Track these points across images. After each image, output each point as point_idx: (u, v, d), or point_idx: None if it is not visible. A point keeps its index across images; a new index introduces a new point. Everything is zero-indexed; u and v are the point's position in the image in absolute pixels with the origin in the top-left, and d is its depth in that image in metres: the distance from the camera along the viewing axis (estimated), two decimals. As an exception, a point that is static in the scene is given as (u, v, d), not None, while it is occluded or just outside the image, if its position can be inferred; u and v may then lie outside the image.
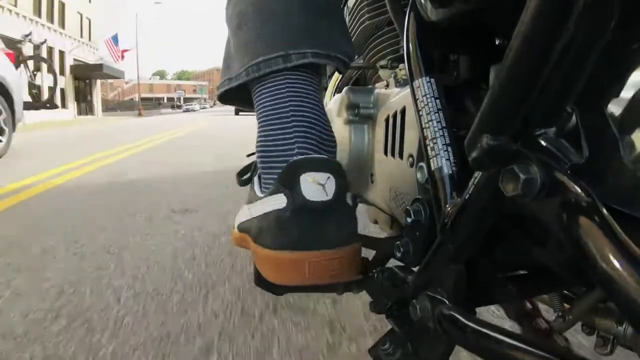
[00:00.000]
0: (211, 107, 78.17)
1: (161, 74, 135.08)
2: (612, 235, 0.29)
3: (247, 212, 0.63)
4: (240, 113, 28.45)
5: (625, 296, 0.28)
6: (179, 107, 58.61)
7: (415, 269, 0.53)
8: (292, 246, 0.54)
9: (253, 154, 0.73)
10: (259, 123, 0.64)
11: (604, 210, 0.31)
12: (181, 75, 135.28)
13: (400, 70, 0.78)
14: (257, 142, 0.64)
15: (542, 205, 0.33)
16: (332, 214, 0.55)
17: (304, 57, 0.62)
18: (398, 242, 0.54)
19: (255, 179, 0.66)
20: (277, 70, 0.62)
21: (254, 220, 0.60)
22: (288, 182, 0.54)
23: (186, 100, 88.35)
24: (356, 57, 0.94)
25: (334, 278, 0.56)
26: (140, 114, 30.86)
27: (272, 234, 0.55)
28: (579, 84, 0.33)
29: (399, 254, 0.53)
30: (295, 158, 0.58)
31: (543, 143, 0.34)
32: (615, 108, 0.35)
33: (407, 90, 0.60)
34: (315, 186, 0.54)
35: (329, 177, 0.55)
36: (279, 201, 0.55)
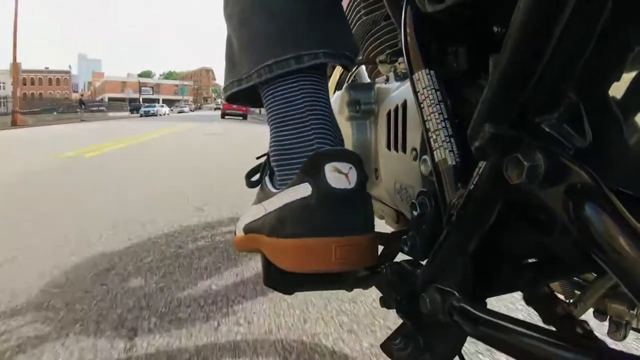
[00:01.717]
0: (192, 110, 68.83)
1: (147, 74, 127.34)
2: (619, 219, 0.29)
3: (260, 210, 0.63)
4: (226, 116, 27.63)
5: (635, 278, 0.28)
6: (137, 109, 44.33)
7: (423, 263, 0.53)
8: (319, 232, 0.55)
9: (262, 156, 0.73)
10: (272, 123, 0.65)
11: (610, 194, 0.30)
12: (168, 76, 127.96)
13: (399, 64, 0.78)
14: (272, 141, 0.64)
15: (547, 191, 0.33)
16: (355, 201, 0.56)
17: (316, 58, 0.62)
18: (405, 236, 0.54)
19: (267, 178, 0.66)
20: (289, 71, 0.62)
21: (270, 215, 0.60)
22: (312, 172, 0.55)
23: (169, 102, 77.87)
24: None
25: (358, 263, 0.57)
26: (15, 123, 16.77)
27: (296, 222, 0.56)
28: (579, 68, 0.33)
29: (406, 248, 0.53)
30: (316, 150, 0.59)
31: (546, 129, 0.34)
32: (617, 91, 0.35)
33: (407, 84, 0.60)
34: (339, 175, 0.55)
35: (351, 167, 0.56)
36: (303, 190, 0.56)
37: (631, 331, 0.58)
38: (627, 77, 0.35)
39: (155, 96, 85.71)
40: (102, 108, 42.07)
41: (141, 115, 38.51)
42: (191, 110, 68.58)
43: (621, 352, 0.32)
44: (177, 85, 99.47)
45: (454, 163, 0.47)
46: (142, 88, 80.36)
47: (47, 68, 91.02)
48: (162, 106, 51.00)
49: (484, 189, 0.40)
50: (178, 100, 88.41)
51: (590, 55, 0.32)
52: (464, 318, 0.43)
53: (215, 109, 62.91)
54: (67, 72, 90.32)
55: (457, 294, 0.44)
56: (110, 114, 38.16)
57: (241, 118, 27.77)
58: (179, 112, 57.06)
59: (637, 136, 0.35)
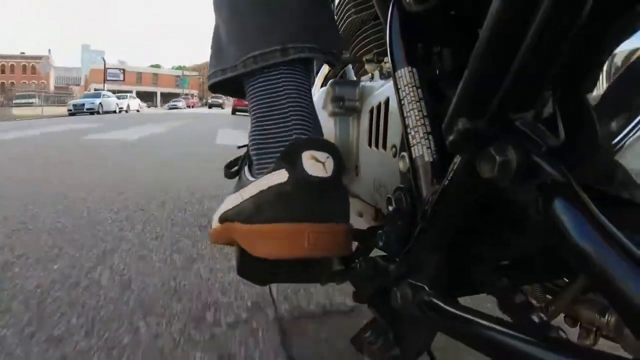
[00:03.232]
0: (190, 107, 52.34)
1: (155, 67, 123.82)
2: (589, 216, 0.29)
3: (236, 198, 0.63)
4: (237, 112, 22.56)
5: (603, 277, 0.28)
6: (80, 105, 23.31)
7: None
8: (293, 218, 0.55)
9: (244, 146, 0.73)
10: (253, 114, 0.65)
11: (581, 192, 0.31)
12: (178, 70, 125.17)
13: (385, 63, 0.78)
14: (252, 131, 0.65)
15: (518, 188, 0.34)
16: (330, 190, 0.57)
17: (301, 52, 0.63)
18: (380, 232, 0.54)
19: (245, 168, 0.67)
20: (274, 64, 0.63)
21: (246, 202, 0.60)
22: (290, 159, 0.56)
23: (168, 96, 62.34)
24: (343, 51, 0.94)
25: (330, 251, 0.57)
26: None
27: (271, 208, 0.56)
28: (556, 67, 0.33)
29: (381, 243, 0.53)
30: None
31: (520, 126, 0.35)
32: (592, 91, 0.35)
33: (391, 82, 0.61)
34: (316, 163, 0.55)
35: (328, 157, 0.56)
36: (279, 176, 0.56)
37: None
38: (603, 77, 0.35)
39: (152, 88, 72.82)
40: (31, 101, 27.27)
41: (71, 113, 21.68)
42: (189, 107, 51.69)
43: (588, 348, 0.32)
44: (178, 77, 78.74)
45: (431, 160, 0.47)
46: (109, 71, 58.14)
47: (23, 53, 77.88)
48: (126, 96, 31.21)
49: (457, 185, 0.40)
50: (178, 94, 67.98)
51: (567, 55, 0.32)
52: (433, 313, 0.43)
53: (210, 105, 45.77)
54: (46, 58, 73.06)
55: (427, 289, 0.45)
56: (18, 111, 21.02)
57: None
58: (170, 109, 43.70)
59: (609, 136, 0.35)
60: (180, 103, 49.60)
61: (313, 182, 0.55)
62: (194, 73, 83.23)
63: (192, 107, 54.71)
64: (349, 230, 0.59)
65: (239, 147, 0.76)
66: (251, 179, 0.62)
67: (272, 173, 0.57)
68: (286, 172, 0.55)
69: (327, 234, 0.56)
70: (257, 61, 0.63)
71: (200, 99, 76.59)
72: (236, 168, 0.70)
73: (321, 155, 0.56)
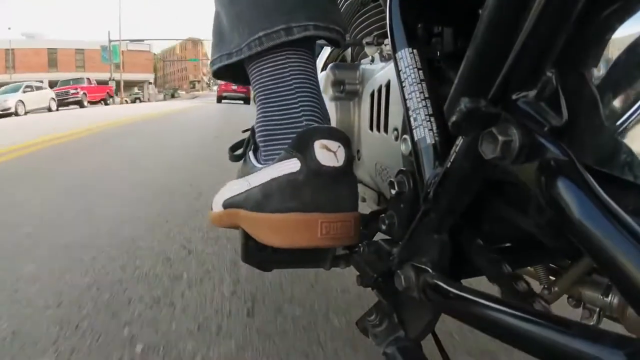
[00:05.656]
0: (91, 103, 20.04)
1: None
2: (592, 195, 0.29)
3: (242, 184, 0.63)
4: (223, 100, 20.69)
5: (606, 255, 0.28)
6: None
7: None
8: (306, 208, 0.55)
9: (248, 130, 0.72)
10: (259, 98, 0.65)
11: (583, 170, 0.30)
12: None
13: (385, 45, 0.77)
14: (259, 116, 0.64)
15: (521, 168, 0.33)
16: (342, 179, 0.57)
17: (306, 30, 0.62)
18: (383, 215, 0.54)
19: (250, 153, 0.66)
20: (279, 44, 0.62)
21: (254, 189, 0.60)
22: (302, 148, 0.56)
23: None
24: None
25: (342, 240, 0.57)
26: None
27: (283, 197, 0.56)
28: (557, 46, 0.33)
29: (384, 227, 0.53)
30: (305, 127, 0.59)
31: (522, 106, 0.34)
32: (595, 70, 0.35)
33: (392, 64, 0.60)
34: (328, 152, 0.55)
35: (339, 146, 0.56)
36: (291, 165, 0.56)
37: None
38: (606, 56, 0.35)
39: (77, 74, 32.01)
40: None
41: None
42: (75, 103, 19.84)
43: (600, 329, 0.31)
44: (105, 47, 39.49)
45: (432, 142, 0.47)
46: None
47: None
48: None
49: (459, 166, 0.40)
50: (106, 82, 30.15)
51: (569, 33, 0.32)
52: (437, 294, 0.43)
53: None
54: None
55: (431, 271, 0.45)
56: None
57: (242, 102, 19.76)
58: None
59: (612, 115, 0.35)
60: (10, 101, 15.26)
61: (325, 172, 0.54)
62: (143, 47, 47.35)
63: (106, 102, 24.92)
64: (358, 218, 0.59)
65: (243, 132, 0.76)
66: (258, 165, 0.62)
67: (283, 161, 0.56)
68: (298, 162, 0.55)
69: (340, 224, 0.55)
70: (262, 42, 0.62)
71: (158, 86, 51.52)
72: (241, 151, 0.69)
73: (333, 145, 0.55)
